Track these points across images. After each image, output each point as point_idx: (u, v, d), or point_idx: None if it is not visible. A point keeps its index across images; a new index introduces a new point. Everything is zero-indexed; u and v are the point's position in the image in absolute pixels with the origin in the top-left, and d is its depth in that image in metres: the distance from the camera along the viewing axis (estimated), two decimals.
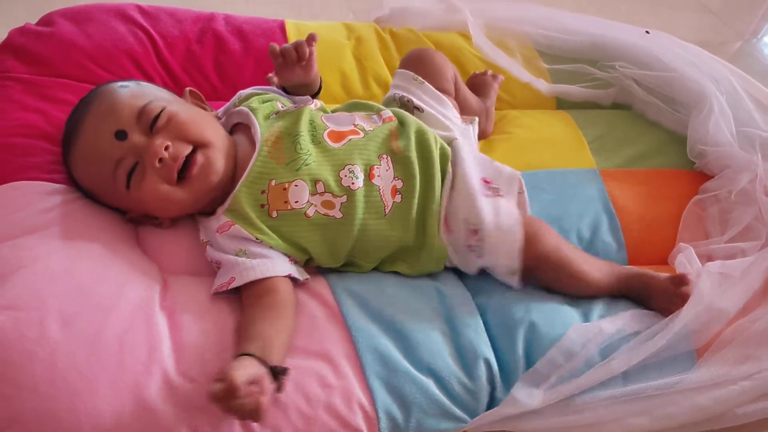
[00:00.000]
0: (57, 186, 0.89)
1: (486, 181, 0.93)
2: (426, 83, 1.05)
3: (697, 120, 1.16)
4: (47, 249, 0.81)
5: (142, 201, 0.86)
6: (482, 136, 1.14)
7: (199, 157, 0.85)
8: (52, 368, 0.71)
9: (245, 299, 0.82)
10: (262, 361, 0.71)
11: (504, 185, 0.93)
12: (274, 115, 0.93)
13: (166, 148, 0.83)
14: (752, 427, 0.92)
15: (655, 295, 0.92)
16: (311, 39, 0.91)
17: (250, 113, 0.92)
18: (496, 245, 0.88)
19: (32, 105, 0.97)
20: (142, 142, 0.83)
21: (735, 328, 0.90)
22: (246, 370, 0.68)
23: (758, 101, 1.19)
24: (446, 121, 1.02)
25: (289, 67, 0.92)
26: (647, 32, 1.32)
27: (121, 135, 0.84)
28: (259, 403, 0.67)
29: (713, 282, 0.93)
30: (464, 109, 1.11)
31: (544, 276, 0.91)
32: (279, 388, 0.73)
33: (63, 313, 0.75)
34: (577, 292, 0.92)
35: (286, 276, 0.84)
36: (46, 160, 0.92)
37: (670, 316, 0.88)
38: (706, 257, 1.01)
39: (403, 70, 1.07)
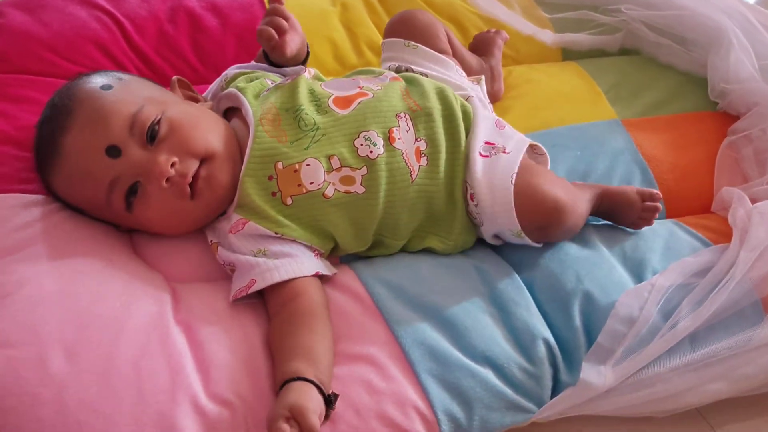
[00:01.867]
0: (33, 197, 0.78)
1: (489, 143, 0.84)
2: (420, 46, 0.94)
3: (717, 57, 1.09)
4: (33, 271, 0.69)
5: (150, 222, 0.76)
6: (494, 99, 1.05)
7: (202, 172, 0.74)
8: (62, 410, 0.60)
9: (271, 306, 0.73)
10: (320, 389, 0.63)
11: (511, 145, 0.84)
12: (265, 92, 0.82)
13: (173, 165, 0.72)
14: None
15: (624, 211, 0.88)
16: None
17: (239, 94, 0.82)
18: (491, 207, 0.79)
19: None
20: (142, 159, 0.72)
21: None
22: (316, 408, 0.61)
23: None
24: (456, 81, 0.93)
25: (282, 39, 0.80)
26: None
27: (113, 151, 0.72)
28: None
29: (766, 224, 0.87)
30: (463, 70, 1.01)
31: (540, 239, 0.82)
32: (328, 416, 0.64)
33: (64, 344, 0.64)
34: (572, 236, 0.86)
35: (313, 275, 0.74)
36: (16, 168, 0.81)
37: (723, 260, 0.83)
38: (751, 200, 0.94)
39: (390, 39, 0.97)
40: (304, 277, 0.73)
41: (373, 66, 1.06)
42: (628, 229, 0.90)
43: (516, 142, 0.85)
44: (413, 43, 0.95)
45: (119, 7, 1.00)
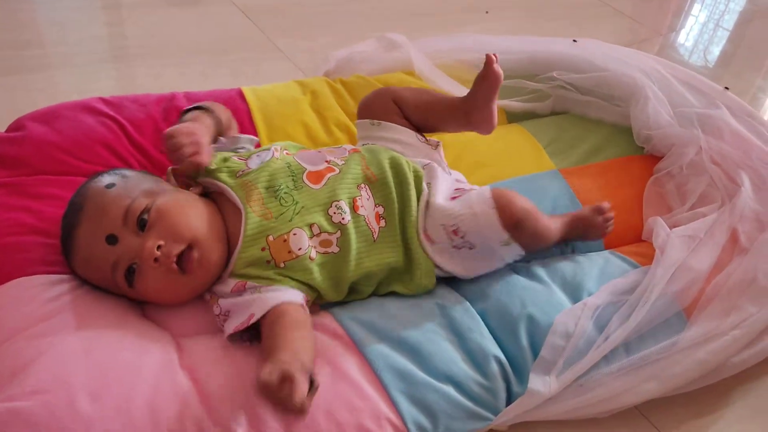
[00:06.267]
0: (59, 276, 0.92)
1: (457, 189, 1.00)
2: (383, 122, 1.08)
3: (637, 109, 1.26)
4: (62, 334, 0.83)
5: (150, 295, 0.89)
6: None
7: (195, 254, 0.87)
8: None
9: (263, 329, 0.84)
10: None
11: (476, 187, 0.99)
12: (241, 172, 0.95)
13: (159, 247, 0.85)
14: (750, 372, 0.98)
15: (589, 228, 1.08)
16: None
17: (219, 182, 0.94)
18: (477, 229, 0.92)
19: (18, 204, 1.00)
20: (135, 244, 0.85)
21: (714, 284, 0.98)
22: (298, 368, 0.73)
23: (686, 83, 1.30)
24: (411, 150, 1.07)
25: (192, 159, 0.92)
26: (575, 41, 1.43)
27: (111, 239, 0.86)
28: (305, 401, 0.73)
29: (681, 244, 1.01)
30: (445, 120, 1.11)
31: (522, 239, 0.94)
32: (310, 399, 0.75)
33: (90, 390, 0.76)
34: (543, 247, 1.02)
35: (300, 304, 0.87)
36: (42, 253, 0.94)
37: (646, 279, 0.97)
38: (673, 227, 1.08)
39: (360, 121, 1.11)
40: (291, 302, 0.86)
41: (341, 141, 1.22)
42: (569, 259, 1.04)
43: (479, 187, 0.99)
44: (376, 120, 1.09)
45: (121, 112, 1.17)
